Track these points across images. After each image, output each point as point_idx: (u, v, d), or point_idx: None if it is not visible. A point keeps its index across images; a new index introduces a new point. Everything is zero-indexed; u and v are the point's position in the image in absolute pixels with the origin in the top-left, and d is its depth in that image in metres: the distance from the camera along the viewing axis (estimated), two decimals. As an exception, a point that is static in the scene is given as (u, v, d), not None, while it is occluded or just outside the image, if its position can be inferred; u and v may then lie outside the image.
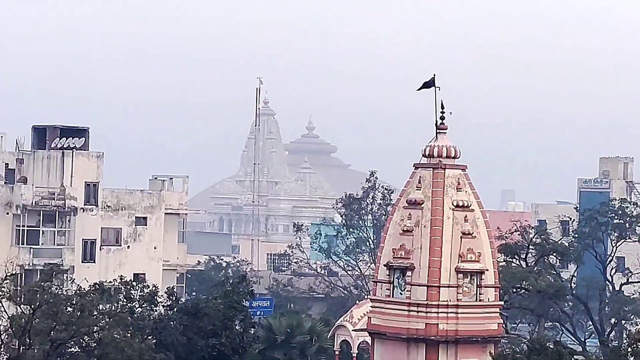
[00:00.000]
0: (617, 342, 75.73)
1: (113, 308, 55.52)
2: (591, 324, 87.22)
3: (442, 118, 52.32)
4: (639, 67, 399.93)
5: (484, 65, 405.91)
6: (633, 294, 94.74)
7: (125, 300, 56.83)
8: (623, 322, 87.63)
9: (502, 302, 55.31)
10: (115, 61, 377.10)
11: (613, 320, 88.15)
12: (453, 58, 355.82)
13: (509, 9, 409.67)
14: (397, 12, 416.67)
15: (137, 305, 57.14)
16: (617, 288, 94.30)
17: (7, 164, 75.79)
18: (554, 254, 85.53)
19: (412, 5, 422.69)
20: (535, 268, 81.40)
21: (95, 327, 52.79)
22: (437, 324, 49.13)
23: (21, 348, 51.54)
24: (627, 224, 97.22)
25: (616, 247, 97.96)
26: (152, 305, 57.58)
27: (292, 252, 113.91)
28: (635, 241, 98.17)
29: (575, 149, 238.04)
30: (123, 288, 57.69)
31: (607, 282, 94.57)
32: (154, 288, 59.27)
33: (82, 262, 75.38)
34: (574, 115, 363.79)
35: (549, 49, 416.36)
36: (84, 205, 76.25)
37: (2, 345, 52.32)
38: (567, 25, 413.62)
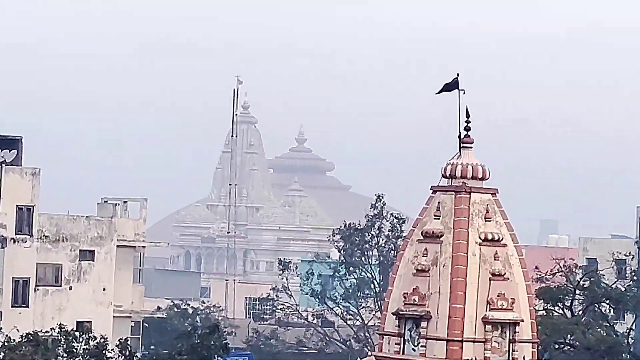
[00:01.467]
0: None
1: None
2: None
3: (467, 129, 52.13)
4: None
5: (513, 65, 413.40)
6: None
7: (66, 355, 56.68)
8: None
9: None
10: (56, 57, 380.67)
11: None
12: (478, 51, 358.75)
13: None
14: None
15: None
16: None
17: None
18: (607, 301, 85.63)
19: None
20: (583, 319, 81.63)
21: None
22: None
23: None
24: None
25: None
26: None
27: (276, 296, 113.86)
28: None
29: (634, 170, 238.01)
30: (63, 339, 57.54)
31: None
32: (102, 340, 59.21)
33: (12, 306, 74.97)
34: (629, 132, 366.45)
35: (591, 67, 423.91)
36: (15, 234, 75.88)
37: None
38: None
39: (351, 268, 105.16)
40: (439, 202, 51.71)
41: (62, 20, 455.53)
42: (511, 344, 50.49)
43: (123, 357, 59.71)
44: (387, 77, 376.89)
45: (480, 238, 50.68)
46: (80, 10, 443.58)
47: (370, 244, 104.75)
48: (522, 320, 51.11)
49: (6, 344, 57.07)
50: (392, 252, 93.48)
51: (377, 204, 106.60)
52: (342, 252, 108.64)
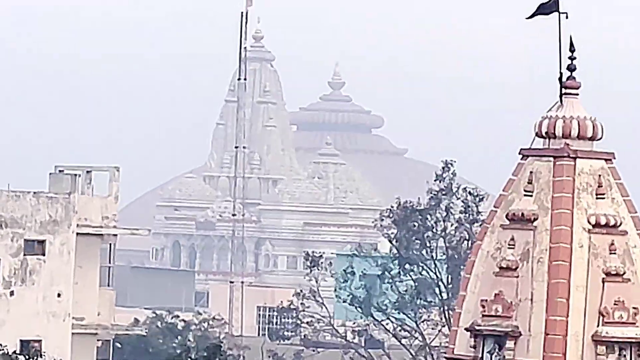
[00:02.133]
0: None
1: None
2: None
3: (572, 68, 51.81)
4: None
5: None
6: None
7: None
8: None
9: None
10: None
11: None
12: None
13: None
14: None
15: None
16: None
17: None
18: None
19: None
20: None
21: None
22: None
23: None
24: None
25: None
26: None
27: (302, 304, 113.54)
28: None
29: None
30: None
31: None
32: None
33: None
34: None
35: None
36: None
37: None
38: None
39: (408, 265, 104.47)
40: (531, 172, 51.75)
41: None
42: None
43: None
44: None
45: (590, 223, 50.80)
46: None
47: (435, 230, 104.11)
48: None
49: None
50: (466, 242, 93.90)
51: (444, 175, 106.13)
52: (394, 242, 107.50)
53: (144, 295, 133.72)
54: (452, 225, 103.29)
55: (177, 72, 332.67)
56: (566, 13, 49.77)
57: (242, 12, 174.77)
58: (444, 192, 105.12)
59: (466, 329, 50.90)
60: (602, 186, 50.68)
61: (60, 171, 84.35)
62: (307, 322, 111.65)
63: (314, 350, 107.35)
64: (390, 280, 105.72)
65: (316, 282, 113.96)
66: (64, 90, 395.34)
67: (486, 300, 51.06)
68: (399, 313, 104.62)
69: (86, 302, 79.65)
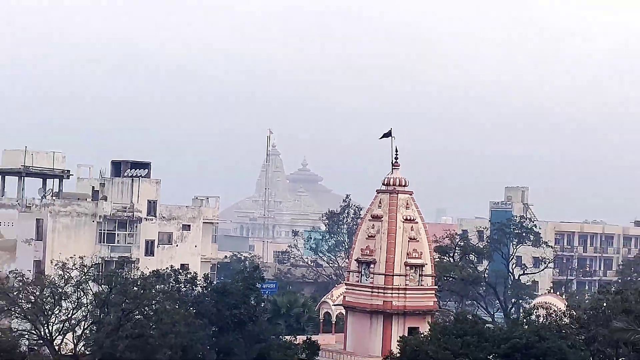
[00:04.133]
0: (515, 315, 79.22)
1: (166, 288, 55.65)
2: (498, 302, 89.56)
3: (396, 158, 56.10)
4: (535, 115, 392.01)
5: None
6: (527, 282, 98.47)
7: (174, 283, 57.08)
8: (520, 301, 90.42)
9: (437, 287, 58.64)
10: (167, 111, 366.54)
11: (513, 300, 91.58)
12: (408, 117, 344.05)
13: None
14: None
15: (182, 286, 57.26)
16: (516, 278, 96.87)
17: (94, 187, 74.85)
18: (473, 253, 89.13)
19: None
20: (460, 263, 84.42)
21: (153, 301, 52.82)
22: (391, 301, 53.47)
23: (101, 315, 52.12)
24: (523, 234, 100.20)
25: (516, 249, 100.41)
26: (193, 286, 57.75)
27: (291, 250, 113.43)
28: (529, 245, 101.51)
29: (488, 179, 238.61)
30: (173, 274, 57.79)
31: (509, 273, 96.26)
32: (194, 274, 59.41)
33: (144, 255, 73.83)
34: (487, 153, 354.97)
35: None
36: (147, 216, 75.02)
37: (88, 313, 52.21)
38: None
39: (332, 235, 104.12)
40: (380, 199, 55.69)
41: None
42: (420, 277, 55.16)
43: (205, 284, 59.18)
44: (358, 129, 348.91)
45: (403, 219, 54.77)
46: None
47: (342, 222, 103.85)
48: (426, 264, 55.13)
49: (141, 276, 56.23)
50: (355, 226, 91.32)
51: (346, 200, 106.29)
52: (327, 226, 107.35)
53: (228, 246, 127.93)
54: (349, 220, 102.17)
55: (245, 158, 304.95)
56: (394, 136, 55.16)
57: (267, 136, 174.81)
58: (346, 207, 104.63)
59: (355, 260, 55.34)
60: (408, 204, 55.45)
61: (196, 197, 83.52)
62: (293, 257, 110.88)
63: (295, 268, 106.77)
64: (325, 241, 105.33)
65: (296, 242, 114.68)
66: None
67: (363, 249, 55.67)
68: (329, 254, 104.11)
69: (206, 249, 79.04)
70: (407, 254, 54.74)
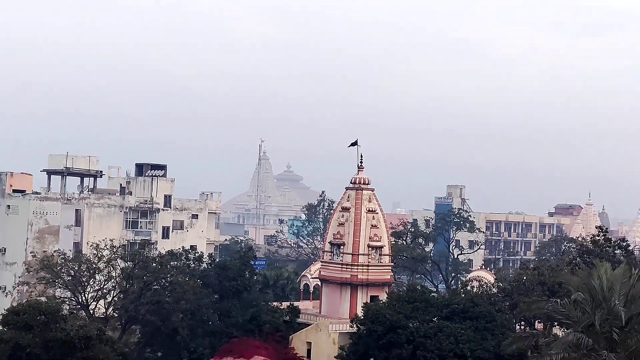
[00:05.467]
0: (454, 286, 78.68)
1: (178, 264, 55.56)
2: (441, 276, 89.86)
3: (361, 162, 56.05)
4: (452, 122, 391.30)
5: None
6: (464, 260, 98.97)
7: (185, 260, 56.82)
8: (458, 275, 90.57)
9: (392, 264, 58.38)
10: (183, 119, 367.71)
11: (453, 274, 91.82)
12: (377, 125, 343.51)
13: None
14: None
15: (191, 263, 56.99)
16: (455, 257, 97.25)
17: (121, 184, 73.98)
18: (421, 237, 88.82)
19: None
20: (411, 245, 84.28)
21: (168, 275, 52.91)
22: (357, 275, 53.23)
23: (126, 286, 52.12)
24: (461, 222, 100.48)
25: (455, 234, 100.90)
26: (200, 263, 57.52)
27: (277, 234, 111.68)
28: (465, 231, 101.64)
29: (433, 178, 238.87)
30: (184, 253, 57.66)
31: (450, 253, 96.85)
32: (201, 253, 59.32)
33: (161, 239, 73.21)
34: (434, 158, 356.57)
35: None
36: (163, 207, 74.17)
37: (116, 284, 52.02)
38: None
39: (310, 222, 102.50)
40: (349, 194, 55.28)
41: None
42: (380, 256, 54.85)
43: (210, 261, 58.75)
44: (333, 141, 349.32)
45: (366, 210, 54.52)
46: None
47: (319, 212, 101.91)
48: (384, 246, 54.66)
49: (159, 255, 56.09)
50: (328, 216, 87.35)
51: (322, 195, 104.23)
52: (306, 215, 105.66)
53: (228, 231, 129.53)
54: (324, 211, 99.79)
55: (241, 162, 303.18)
56: (360, 145, 54.71)
57: (259, 145, 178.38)
58: (322, 201, 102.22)
59: (329, 242, 54.76)
60: (370, 199, 55.05)
61: (202, 193, 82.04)
62: (279, 240, 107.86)
63: (281, 248, 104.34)
64: (305, 227, 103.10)
65: (282, 228, 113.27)
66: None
67: (335, 234, 55.29)
68: (308, 237, 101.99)
69: (210, 233, 77.82)
70: (370, 238, 54.57)
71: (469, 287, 54.02)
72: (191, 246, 66.95)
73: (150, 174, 74.05)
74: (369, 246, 54.82)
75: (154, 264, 53.14)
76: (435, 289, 76.89)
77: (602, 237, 52.80)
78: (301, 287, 62.71)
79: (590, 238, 54.00)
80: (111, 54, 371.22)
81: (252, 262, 59.78)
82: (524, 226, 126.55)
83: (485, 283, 54.91)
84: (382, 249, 54.96)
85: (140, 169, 75.32)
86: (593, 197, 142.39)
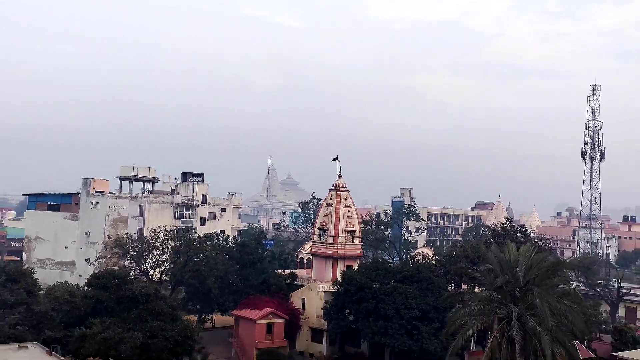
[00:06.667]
0: (405, 259, 77.26)
1: (212, 244, 54.12)
2: (396, 252, 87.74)
3: (340, 171, 55.43)
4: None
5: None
6: (412, 241, 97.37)
7: (217, 240, 55.34)
8: (408, 251, 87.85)
9: (362, 243, 56.35)
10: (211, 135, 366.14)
11: (404, 250, 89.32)
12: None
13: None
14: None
15: (221, 242, 55.37)
16: (406, 238, 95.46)
17: (172, 187, 72.67)
18: (382, 225, 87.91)
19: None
20: (375, 229, 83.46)
21: (204, 251, 51.96)
22: (337, 250, 52.16)
23: (175, 259, 51.33)
24: (410, 214, 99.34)
25: (405, 222, 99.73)
26: (227, 243, 56.05)
27: (281, 223, 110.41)
28: (413, 220, 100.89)
29: (390, 182, 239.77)
30: (216, 236, 56.45)
31: (402, 236, 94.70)
32: (227, 236, 58.40)
33: (200, 225, 71.51)
34: (393, 167, 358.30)
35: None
36: (201, 203, 72.52)
37: (168, 258, 51.31)
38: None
39: (305, 214, 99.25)
40: (331, 194, 54.21)
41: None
42: (353, 237, 52.55)
43: (234, 242, 57.36)
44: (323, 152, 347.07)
45: (343, 205, 53.58)
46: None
47: (311, 207, 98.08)
48: (356, 230, 53.60)
49: (198, 237, 55.27)
50: (318, 209, 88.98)
51: (313, 195, 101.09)
52: (302, 209, 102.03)
53: (247, 221, 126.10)
54: (315, 206, 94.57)
55: (257, 172, 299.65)
56: (339, 160, 53.82)
57: (268, 160, 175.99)
58: (312, 200, 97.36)
59: (318, 228, 53.74)
60: (347, 198, 54.28)
61: (229, 193, 79.63)
62: (283, 227, 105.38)
63: (283, 232, 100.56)
64: (301, 218, 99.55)
65: (284, 218, 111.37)
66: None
67: (322, 222, 54.66)
68: (303, 225, 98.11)
69: (234, 222, 76.18)
70: (346, 225, 54.03)
71: (415, 260, 53.90)
72: (221, 231, 66.29)
73: (191, 180, 73.23)
74: (345, 231, 54.40)
75: (194, 243, 52.83)
76: (391, 261, 76.46)
77: (509, 225, 53.50)
78: (298, 259, 62.56)
79: (500, 225, 54.43)
80: (159, 96, 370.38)
81: (264, 242, 58.87)
82: (454, 217, 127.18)
83: (427, 257, 55.02)
84: (355, 233, 54.62)
85: (185, 176, 74.47)
86: (502, 196, 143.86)
